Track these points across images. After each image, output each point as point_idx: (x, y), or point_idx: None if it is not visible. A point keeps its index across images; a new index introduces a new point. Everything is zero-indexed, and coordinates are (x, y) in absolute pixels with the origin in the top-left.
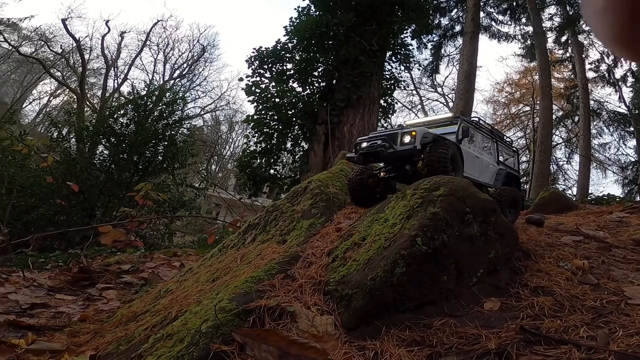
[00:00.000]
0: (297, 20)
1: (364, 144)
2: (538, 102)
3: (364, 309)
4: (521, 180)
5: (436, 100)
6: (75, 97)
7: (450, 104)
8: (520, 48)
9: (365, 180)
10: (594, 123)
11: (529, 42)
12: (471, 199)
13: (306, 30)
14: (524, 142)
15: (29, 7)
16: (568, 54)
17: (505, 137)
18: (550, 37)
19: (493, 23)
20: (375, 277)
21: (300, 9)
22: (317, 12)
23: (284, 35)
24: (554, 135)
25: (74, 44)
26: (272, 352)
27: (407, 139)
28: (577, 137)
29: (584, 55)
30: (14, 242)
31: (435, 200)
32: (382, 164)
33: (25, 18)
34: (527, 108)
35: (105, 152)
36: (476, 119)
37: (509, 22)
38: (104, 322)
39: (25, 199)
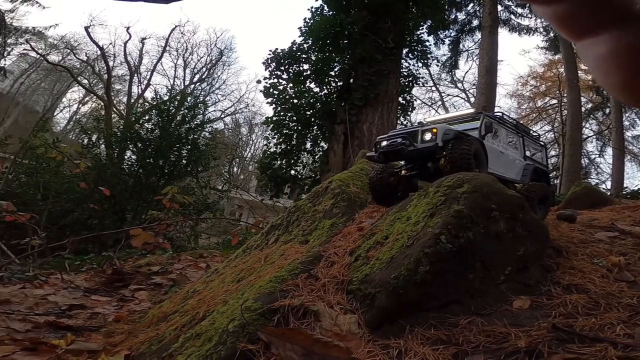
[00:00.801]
0: (311, 21)
1: (384, 143)
2: (565, 95)
3: (387, 308)
4: (550, 175)
5: (457, 96)
6: (102, 103)
7: (472, 100)
8: (543, 41)
9: (386, 179)
10: (626, 115)
11: (551, 34)
12: (497, 196)
13: (320, 30)
14: (552, 135)
15: (52, 16)
16: None
17: (531, 132)
18: None
19: (512, 16)
20: (399, 275)
21: (313, 10)
22: (331, 12)
23: (299, 36)
24: (584, 128)
25: (98, 52)
26: (296, 351)
27: (428, 136)
28: (609, 130)
29: None
30: (51, 245)
31: (459, 198)
32: (402, 162)
33: (50, 26)
34: (554, 101)
35: (132, 157)
36: (500, 114)
37: (529, 15)
38: (137, 323)
39: (61, 203)
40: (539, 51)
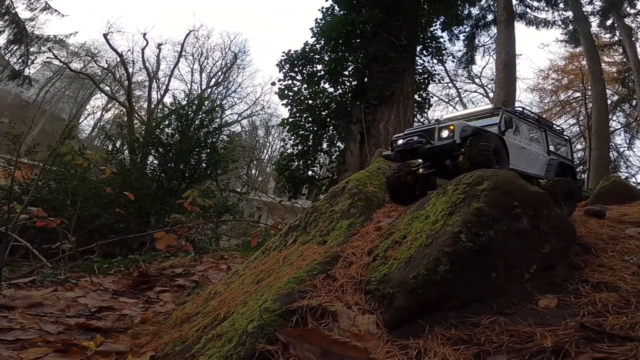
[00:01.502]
0: (322, 21)
1: (400, 141)
2: (589, 88)
3: (406, 308)
4: (577, 169)
5: (475, 91)
6: (124, 110)
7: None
8: (562, 34)
9: (403, 178)
10: None
11: (570, 27)
12: (519, 192)
13: (332, 31)
14: (578, 129)
15: (71, 24)
16: (616, 38)
17: (554, 126)
18: (594, 21)
19: (528, 10)
20: (418, 275)
21: (324, 10)
22: (341, 12)
23: (311, 37)
24: (610, 121)
25: (118, 58)
26: (314, 352)
27: (445, 133)
28: (637, 122)
29: (633, 39)
30: (81, 249)
31: (479, 195)
32: (420, 160)
33: (70, 34)
34: (578, 94)
35: (155, 162)
36: (520, 108)
37: (546, 8)
38: (162, 324)
39: (89, 208)
40: (559, 44)
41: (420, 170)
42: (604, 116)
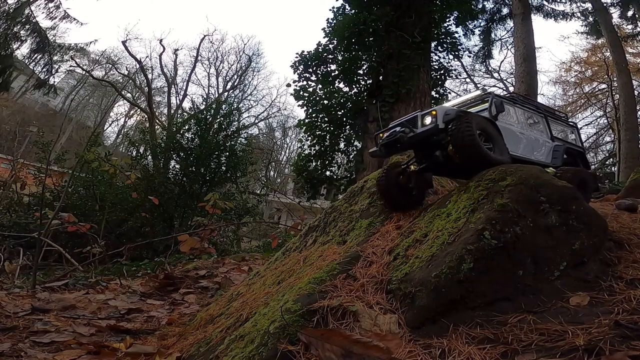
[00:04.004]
0: (334, 21)
1: (384, 134)
2: (615, 79)
3: (428, 307)
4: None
5: (494, 86)
6: (146, 116)
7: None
8: (582, 26)
9: (394, 179)
10: None
11: (590, 19)
12: (546, 187)
13: (345, 30)
14: (606, 121)
15: (89, 32)
16: (639, 29)
17: (557, 112)
18: (615, 12)
19: (545, 2)
20: (440, 273)
21: (335, 9)
22: (353, 11)
23: (324, 37)
24: (639, 112)
25: (137, 65)
26: (335, 352)
27: (427, 119)
28: None
29: None
30: (110, 252)
31: (503, 191)
32: (409, 158)
33: (90, 42)
34: (603, 85)
35: (176, 166)
36: (513, 94)
37: (563, 0)
38: (187, 325)
39: (116, 213)
40: (579, 36)
41: (412, 167)
42: (632, 107)
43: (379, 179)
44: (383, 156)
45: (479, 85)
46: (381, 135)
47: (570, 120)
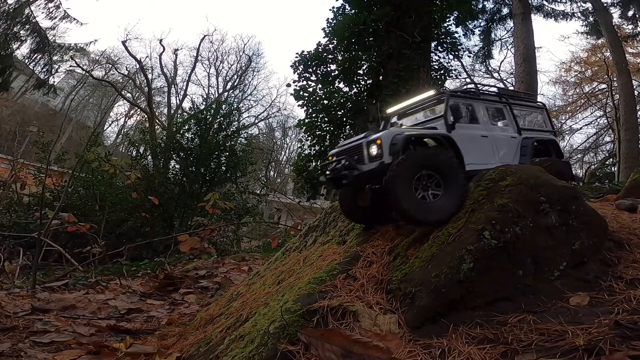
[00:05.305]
0: (334, 21)
1: (332, 163)
2: (615, 79)
3: (428, 307)
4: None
5: (494, 86)
6: (146, 116)
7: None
8: (582, 26)
9: (354, 201)
10: None
11: (591, 19)
12: (545, 187)
13: (345, 30)
14: (605, 121)
15: (89, 32)
16: (639, 29)
17: (521, 94)
18: (615, 12)
19: (545, 2)
20: (440, 273)
21: (335, 10)
22: (353, 11)
23: (323, 37)
24: (639, 112)
25: (137, 65)
26: (335, 352)
27: (374, 150)
28: None
29: None
30: (110, 252)
31: (503, 191)
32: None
33: (90, 42)
34: (603, 86)
35: (176, 166)
36: (472, 86)
37: (564, 0)
38: (187, 325)
39: (116, 213)
40: (579, 36)
41: (367, 187)
42: (632, 107)
43: (341, 198)
44: (332, 188)
45: (480, 85)
46: (330, 158)
47: (538, 101)
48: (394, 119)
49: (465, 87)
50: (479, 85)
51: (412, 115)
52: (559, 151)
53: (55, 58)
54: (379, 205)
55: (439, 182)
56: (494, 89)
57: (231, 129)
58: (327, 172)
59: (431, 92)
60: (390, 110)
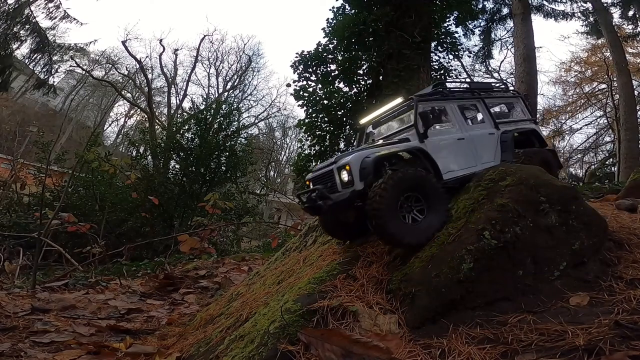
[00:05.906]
0: (334, 21)
1: (309, 189)
2: (615, 79)
3: (428, 307)
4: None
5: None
6: (146, 116)
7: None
8: (582, 26)
9: (335, 219)
10: None
11: (591, 19)
12: (546, 187)
13: (344, 30)
14: (606, 121)
15: (89, 32)
16: (639, 29)
17: (493, 85)
18: (615, 12)
19: (545, 2)
20: (440, 273)
21: (335, 9)
22: (353, 11)
23: (323, 37)
24: (639, 112)
25: (137, 65)
26: (335, 352)
27: (344, 176)
28: None
29: None
30: (110, 252)
31: (503, 191)
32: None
33: (90, 42)
34: (603, 86)
35: (176, 166)
36: (440, 85)
37: (564, 0)
38: (187, 325)
39: (116, 213)
40: (580, 36)
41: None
42: (632, 107)
43: (322, 216)
44: (311, 215)
45: (447, 84)
46: (308, 182)
47: (512, 90)
48: (369, 129)
49: (433, 88)
50: (447, 84)
51: (386, 123)
52: (542, 140)
53: (55, 58)
54: (362, 221)
55: (419, 199)
56: (464, 85)
57: (231, 129)
58: (304, 201)
59: (399, 100)
60: (363, 120)
